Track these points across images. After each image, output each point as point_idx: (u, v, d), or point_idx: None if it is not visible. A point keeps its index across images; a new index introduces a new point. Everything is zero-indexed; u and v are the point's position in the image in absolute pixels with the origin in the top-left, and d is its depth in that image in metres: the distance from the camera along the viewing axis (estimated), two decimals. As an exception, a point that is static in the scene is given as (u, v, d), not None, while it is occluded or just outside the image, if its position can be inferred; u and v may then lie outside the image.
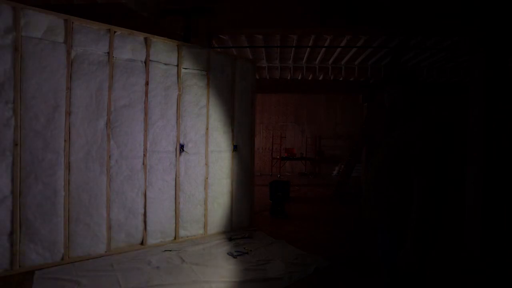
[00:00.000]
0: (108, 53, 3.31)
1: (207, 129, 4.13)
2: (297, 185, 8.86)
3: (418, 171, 1.52)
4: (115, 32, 3.35)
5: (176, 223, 3.85)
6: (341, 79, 8.73)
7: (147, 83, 3.59)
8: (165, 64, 3.74)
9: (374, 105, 8.57)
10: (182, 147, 3.88)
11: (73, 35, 3.10)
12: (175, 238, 3.83)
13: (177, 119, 3.85)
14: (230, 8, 4.22)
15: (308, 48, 7.06)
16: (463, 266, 3.43)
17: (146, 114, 3.59)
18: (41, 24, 2.93)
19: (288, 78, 9.03)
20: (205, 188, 4.11)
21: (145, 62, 3.57)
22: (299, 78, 9.08)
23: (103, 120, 3.30)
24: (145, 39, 3.56)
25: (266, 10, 4.30)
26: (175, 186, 3.85)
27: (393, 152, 1.65)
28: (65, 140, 3.08)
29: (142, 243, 3.58)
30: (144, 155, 3.59)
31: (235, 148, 4.42)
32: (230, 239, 3.99)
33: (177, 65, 3.83)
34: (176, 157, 3.85)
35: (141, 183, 3.57)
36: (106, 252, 3.32)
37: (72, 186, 3.13)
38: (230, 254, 3.50)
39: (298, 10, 4.29)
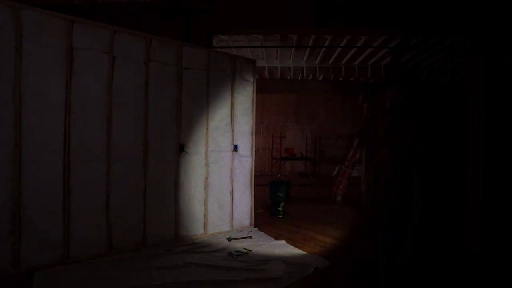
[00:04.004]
0: (108, 53, 3.31)
1: (207, 129, 4.13)
2: (297, 185, 8.86)
3: (418, 171, 1.52)
4: (115, 32, 3.35)
5: (176, 223, 3.85)
6: (341, 79, 8.73)
7: (146, 83, 3.59)
8: (165, 64, 3.74)
9: (374, 105, 8.56)
10: (182, 147, 3.88)
11: (72, 35, 3.10)
12: (175, 238, 3.83)
13: (177, 119, 3.85)
14: (230, 8, 4.23)
15: (308, 48, 7.06)
16: (463, 266, 3.43)
17: (146, 113, 3.59)
18: (41, 24, 2.93)
19: (288, 78, 9.04)
20: (205, 188, 4.11)
21: (145, 62, 3.57)
22: (299, 78, 9.09)
23: (101, 120, 3.30)
24: (145, 39, 3.56)
25: (266, 11, 4.30)
26: (175, 186, 3.85)
27: (394, 153, 1.65)
28: (64, 139, 3.08)
29: (142, 242, 3.58)
30: (144, 154, 3.59)
31: (235, 148, 4.42)
32: (230, 239, 3.99)
33: (177, 65, 3.84)
34: (176, 157, 3.84)
35: (140, 183, 3.57)
36: (106, 252, 3.32)
37: (72, 185, 3.13)
38: (230, 254, 3.50)
39: (298, 10, 4.30)
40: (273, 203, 5.59)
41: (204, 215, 4.11)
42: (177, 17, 4.36)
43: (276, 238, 4.14)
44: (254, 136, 4.69)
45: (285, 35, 6.30)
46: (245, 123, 4.56)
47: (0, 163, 2.76)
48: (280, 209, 5.41)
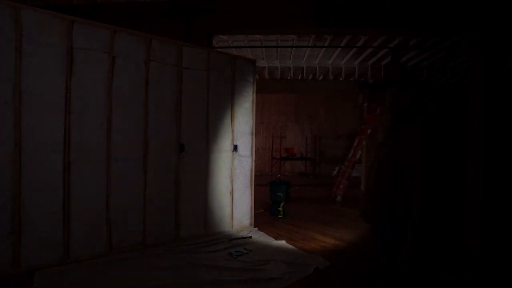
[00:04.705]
0: (108, 53, 3.31)
1: (207, 129, 4.12)
2: (297, 185, 8.86)
3: (418, 171, 1.52)
4: (115, 32, 3.35)
5: (176, 223, 3.85)
6: (341, 79, 8.74)
7: (146, 83, 3.59)
8: (165, 64, 3.74)
9: (373, 105, 8.57)
10: (182, 147, 3.88)
11: (72, 35, 3.09)
12: (175, 238, 3.83)
13: (177, 119, 3.85)
14: (230, 8, 4.23)
15: (308, 48, 7.07)
16: (463, 266, 3.43)
17: (146, 113, 3.59)
18: (41, 24, 2.93)
19: (288, 78, 9.04)
20: (205, 188, 4.11)
21: (145, 62, 3.57)
22: (299, 78, 9.09)
23: (101, 120, 3.30)
24: (145, 39, 3.56)
25: (266, 11, 4.30)
26: (175, 186, 3.84)
27: (394, 153, 1.65)
28: (64, 139, 3.08)
29: (142, 242, 3.58)
30: (145, 154, 3.59)
31: (235, 148, 4.42)
32: (230, 239, 3.99)
33: (177, 65, 3.83)
34: (176, 157, 3.84)
35: (140, 183, 3.57)
36: (106, 252, 3.32)
37: (72, 185, 3.12)
38: (230, 254, 3.50)
39: (298, 10, 4.29)
40: (273, 203, 5.59)
41: (204, 215, 4.11)
42: (177, 17, 4.35)
43: (276, 238, 4.14)
44: (254, 136, 4.69)
45: (285, 35, 6.30)
46: (245, 123, 4.55)
47: (0, 163, 2.76)
48: (280, 209, 5.41)
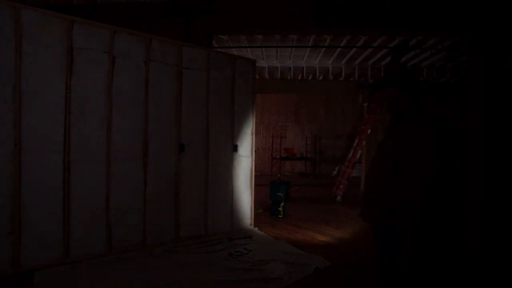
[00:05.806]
0: (108, 53, 3.30)
1: (207, 129, 4.12)
2: (297, 185, 8.86)
3: (418, 171, 1.52)
4: (115, 32, 3.35)
5: (176, 223, 3.85)
6: (341, 79, 8.74)
7: (146, 83, 3.59)
8: (165, 64, 3.74)
9: (373, 105, 8.58)
10: (182, 147, 3.88)
11: (72, 35, 3.09)
12: (175, 238, 3.83)
13: (176, 119, 3.84)
14: (230, 8, 4.22)
15: (308, 48, 7.07)
16: (463, 266, 3.43)
17: (146, 113, 3.59)
18: (41, 24, 2.93)
19: (288, 78, 9.04)
20: (205, 188, 4.11)
21: (145, 62, 3.57)
22: (299, 78, 9.09)
23: (101, 120, 3.30)
24: (145, 39, 3.56)
25: (266, 11, 4.30)
26: (175, 186, 3.84)
27: (394, 152, 1.65)
28: (64, 139, 3.08)
29: (142, 242, 3.58)
30: (145, 154, 3.59)
31: (235, 148, 4.42)
32: (230, 239, 3.99)
33: (177, 65, 3.83)
34: (176, 157, 3.84)
35: (140, 183, 3.57)
36: (106, 252, 3.32)
37: (72, 185, 3.12)
38: (230, 254, 3.50)
39: (298, 10, 4.29)
40: (273, 203, 5.59)
41: (204, 215, 4.11)
42: (177, 17, 4.35)
43: (276, 238, 4.14)
44: (254, 136, 4.69)
45: (285, 35, 6.30)
46: (245, 123, 4.55)
47: (0, 163, 2.76)
48: (280, 209, 5.41)
